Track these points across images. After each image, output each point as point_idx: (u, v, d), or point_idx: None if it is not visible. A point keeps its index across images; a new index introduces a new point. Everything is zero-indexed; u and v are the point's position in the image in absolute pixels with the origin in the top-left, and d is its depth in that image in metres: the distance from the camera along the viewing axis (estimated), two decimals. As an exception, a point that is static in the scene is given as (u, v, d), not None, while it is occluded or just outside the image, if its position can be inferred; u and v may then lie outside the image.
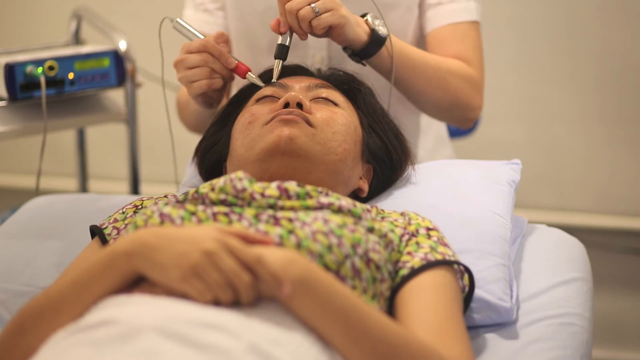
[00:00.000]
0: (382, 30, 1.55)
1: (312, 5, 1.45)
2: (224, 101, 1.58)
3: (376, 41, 1.55)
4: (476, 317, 1.32)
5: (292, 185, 1.24)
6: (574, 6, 2.53)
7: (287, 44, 1.48)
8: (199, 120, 1.70)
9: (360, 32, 1.52)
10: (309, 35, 1.49)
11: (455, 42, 1.72)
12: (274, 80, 1.46)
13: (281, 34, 1.48)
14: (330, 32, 1.49)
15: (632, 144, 2.58)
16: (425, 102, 1.70)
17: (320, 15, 1.45)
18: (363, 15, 1.56)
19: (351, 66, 1.57)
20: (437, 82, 1.66)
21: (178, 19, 1.53)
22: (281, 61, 1.48)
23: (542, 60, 2.58)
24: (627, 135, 2.58)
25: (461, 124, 1.77)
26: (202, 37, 1.50)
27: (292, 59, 1.52)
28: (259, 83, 1.47)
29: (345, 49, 1.56)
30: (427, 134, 1.92)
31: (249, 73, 1.48)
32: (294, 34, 1.48)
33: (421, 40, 1.78)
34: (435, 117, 1.78)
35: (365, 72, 1.57)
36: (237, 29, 1.80)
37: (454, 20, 1.73)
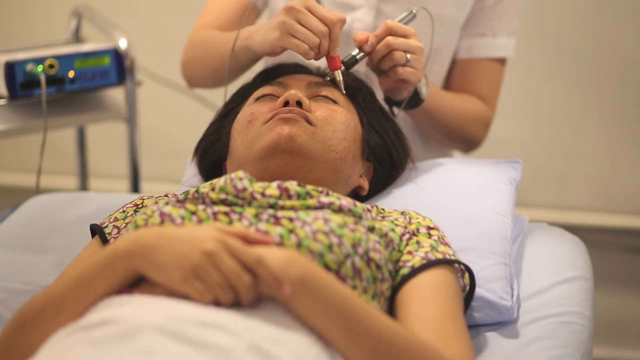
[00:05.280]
0: (423, 91, 1.58)
1: (408, 55, 1.46)
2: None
3: (414, 103, 1.58)
4: (477, 316, 1.32)
5: (292, 185, 1.24)
6: (574, 6, 2.53)
7: (358, 58, 1.48)
8: (217, 68, 1.65)
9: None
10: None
11: (483, 80, 1.80)
12: (342, 88, 1.46)
13: (361, 50, 1.48)
14: (396, 83, 1.50)
15: (632, 143, 2.57)
16: (438, 136, 1.78)
17: (406, 67, 1.46)
18: None
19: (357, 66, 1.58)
20: (456, 126, 1.75)
21: None
22: (343, 68, 1.47)
23: (542, 58, 2.58)
24: (627, 134, 2.57)
25: (462, 152, 1.88)
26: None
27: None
28: (341, 86, 1.45)
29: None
30: None
31: (338, 71, 1.45)
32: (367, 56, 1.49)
33: (452, 58, 1.82)
34: (440, 142, 1.85)
35: (368, 74, 1.57)
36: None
37: (491, 55, 1.79)
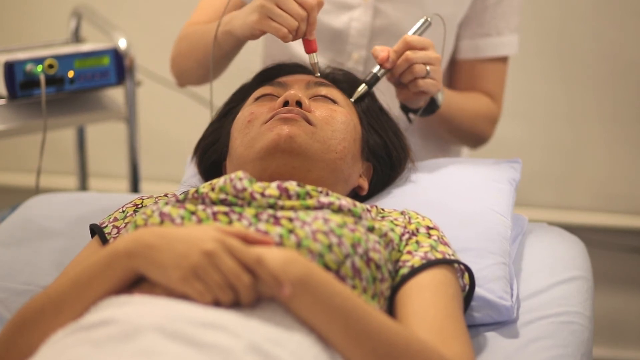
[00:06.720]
0: (439, 98, 1.59)
1: (427, 67, 1.46)
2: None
3: (430, 110, 1.60)
4: (476, 316, 1.32)
5: (292, 185, 1.24)
6: (574, 6, 2.53)
7: (379, 75, 1.49)
8: (202, 58, 1.66)
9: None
10: (353, 34, 1.53)
11: (489, 79, 1.82)
12: (352, 99, 1.47)
13: (382, 67, 1.49)
14: (415, 94, 1.51)
15: (632, 142, 2.57)
16: (449, 136, 1.80)
17: (426, 78, 1.47)
18: None
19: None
20: (468, 126, 1.77)
21: None
22: (366, 87, 1.48)
23: (542, 58, 2.58)
24: (627, 134, 2.57)
25: (470, 148, 1.91)
26: None
27: (328, 52, 1.51)
28: (316, 68, 1.46)
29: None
30: None
31: (313, 54, 1.46)
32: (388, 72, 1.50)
33: (449, 56, 1.82)
34: (449, 141, 1.86)
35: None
36: None
37: (497, 54, 1.81)
